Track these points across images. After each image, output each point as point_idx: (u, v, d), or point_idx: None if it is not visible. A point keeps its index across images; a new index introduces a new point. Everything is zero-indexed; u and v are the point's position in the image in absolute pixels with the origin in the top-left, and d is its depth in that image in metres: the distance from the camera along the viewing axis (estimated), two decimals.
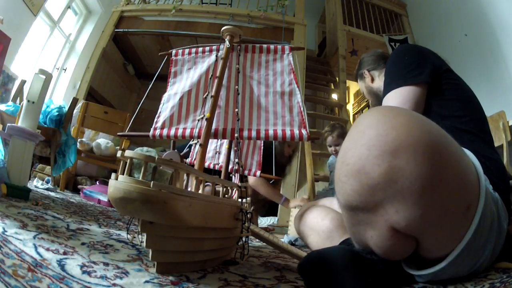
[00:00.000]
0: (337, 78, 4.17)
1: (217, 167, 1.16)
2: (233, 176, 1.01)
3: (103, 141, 2.53)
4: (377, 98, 1.12)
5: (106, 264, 0.55)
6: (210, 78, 0.88)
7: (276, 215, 2.93)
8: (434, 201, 0.44)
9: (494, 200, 0.55)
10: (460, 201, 0.46)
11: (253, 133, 0.84)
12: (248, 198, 0.85)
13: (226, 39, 0.88)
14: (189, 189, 0.58)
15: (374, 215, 0.48)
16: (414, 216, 0.44)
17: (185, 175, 0.58)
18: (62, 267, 0.48)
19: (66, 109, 1.87)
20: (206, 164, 1.15)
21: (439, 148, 0.44)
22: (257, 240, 1.19)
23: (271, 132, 0.83)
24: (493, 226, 0.51)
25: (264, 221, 2.83)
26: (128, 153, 0.54)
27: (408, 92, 0.79)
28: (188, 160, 1.09)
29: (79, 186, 2.32)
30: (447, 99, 0.80)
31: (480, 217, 0.47)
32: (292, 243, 1.53)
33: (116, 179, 0.53)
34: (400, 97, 0.80)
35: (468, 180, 0.48)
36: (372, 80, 1.13)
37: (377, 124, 0.46)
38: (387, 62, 0.94)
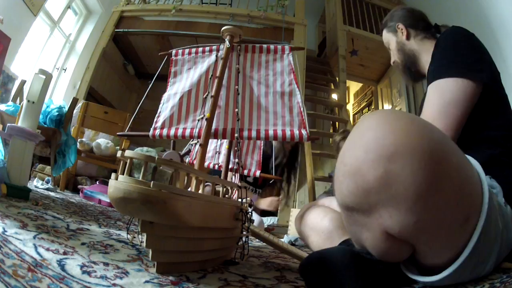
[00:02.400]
0: (337, 78, 4.17)
1: (216, 167, 1.16)
2: (233, 176, 1.01)
3: (103, 141, 2.53)
4: (406, 59, 1.00)
5: (106, 264, 0.55)
6: (210, 78, 0.88)
7: (276, 215, 2.93)
8: (429, 209, 0.43)
9: (502, 214, 0.54)
10: (458, 212, 0.45)
11: (253, 133, 0.84)
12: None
13: (226, 39, 0.88)
14: (189, 189, 0.58)
15: (368, 218, 0.47)
16: (408, 222, 0.44)
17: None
18: (62, 267, 0.48)
19: (66, 109, 1.87)
20: (206, 164, 1.15)
21: (439, 156, 0.43)
22: (257, 240, 1.19)
23: (271, 132, 0.83)
24: (497, 239, 0.50)
25: (264, 221, 2.83)
26: (128, 153, 0.54)
27: (469, 88, 0.72)
28: (187, 160, 1.08)
29: (79, 186, 2.32)
30: (498, 112, 0.75)
31: (481, 231, 0.46)
32: (292, 243, 1.53)
33: (116, 179, 0.53)
34: (461, 92, 0.72)
35: (468, 191, 0.46)
36: (408, 37, 0.99)
37: (376, 127, 0.46)
38: (443, 37, 0.84)
